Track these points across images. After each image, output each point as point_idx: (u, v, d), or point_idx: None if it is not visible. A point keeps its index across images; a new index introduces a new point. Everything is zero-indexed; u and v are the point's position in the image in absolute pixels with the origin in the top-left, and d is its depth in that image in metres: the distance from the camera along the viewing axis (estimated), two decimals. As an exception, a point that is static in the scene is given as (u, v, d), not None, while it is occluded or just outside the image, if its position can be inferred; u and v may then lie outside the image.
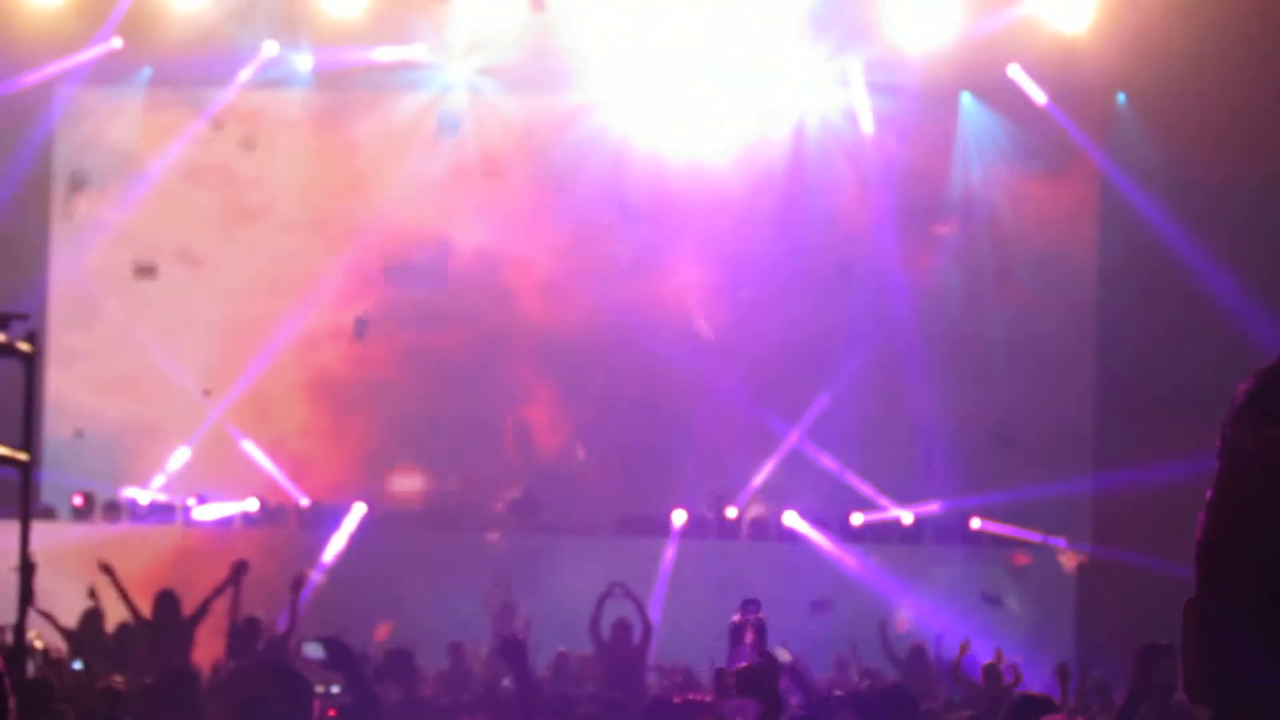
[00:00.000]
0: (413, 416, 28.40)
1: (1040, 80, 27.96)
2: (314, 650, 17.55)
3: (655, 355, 27.91)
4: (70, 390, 28.43)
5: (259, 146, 29.29)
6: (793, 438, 28.45)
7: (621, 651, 18.83)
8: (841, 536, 27.90)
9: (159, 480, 28.57)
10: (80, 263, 28.63)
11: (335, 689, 15.20)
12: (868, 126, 28.69)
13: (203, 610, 18.44)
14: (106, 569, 18.77)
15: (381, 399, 28.59)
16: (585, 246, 28.81)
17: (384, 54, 28.63)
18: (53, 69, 28.23)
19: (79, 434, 28.24)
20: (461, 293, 28.97)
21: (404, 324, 28.94)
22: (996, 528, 27.87)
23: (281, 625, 18.21)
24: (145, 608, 18.73)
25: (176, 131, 29.15)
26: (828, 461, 28.34)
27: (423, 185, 29.15)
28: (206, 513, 28.23)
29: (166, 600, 18.58)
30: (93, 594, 19.39)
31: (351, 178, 29.43)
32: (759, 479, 28.50)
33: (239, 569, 18.22)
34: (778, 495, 28.43)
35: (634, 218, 28.56)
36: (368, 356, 28.78)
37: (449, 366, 28.48)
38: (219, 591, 18.47)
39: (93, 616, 19.89)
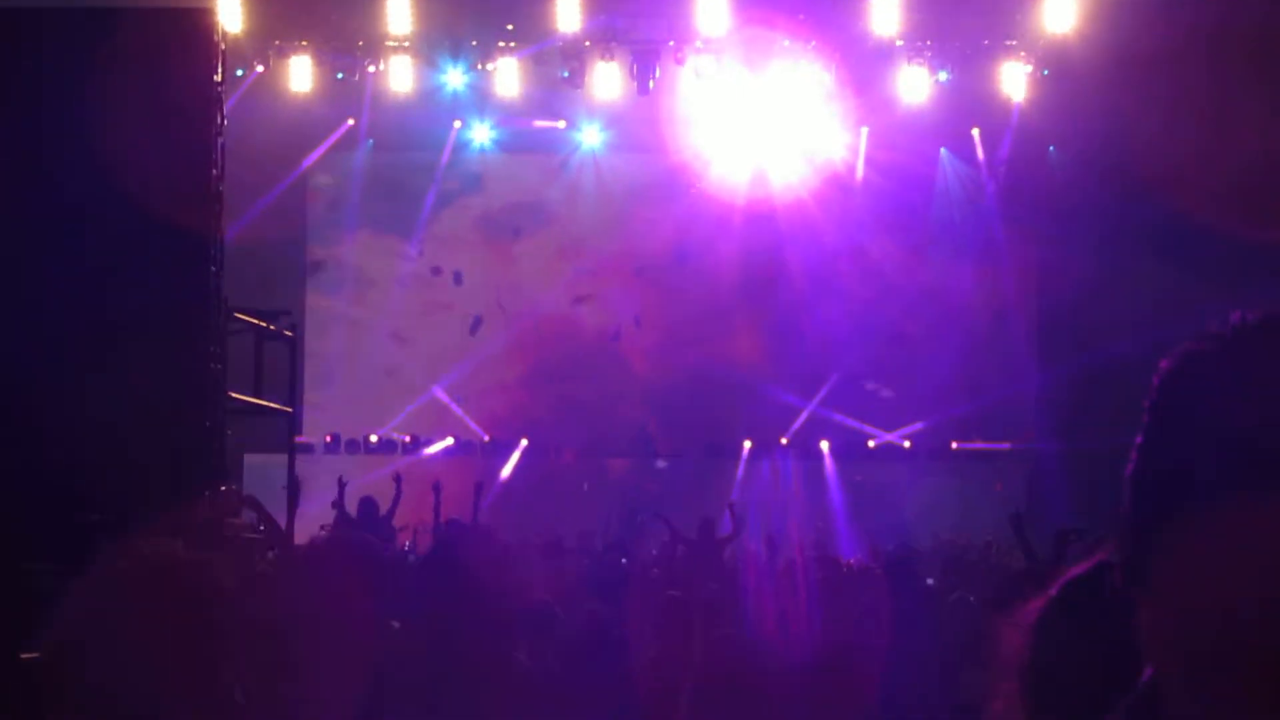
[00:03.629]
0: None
1: (996, 138, 28.47)
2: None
3: (723, 370, 28.93)
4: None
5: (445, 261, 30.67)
6: (822, 392, 29.23)
7: (708, 541, 19.47)
8: (861, 457, 28.68)
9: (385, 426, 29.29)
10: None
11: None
12: (860, 173, 29.31)
13: (392, 513, 18.28)
14: (341, 483, 18.34)
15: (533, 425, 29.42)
16: (670, 324, 29.88)
17: (539, 123, 29.35)
18: (311, 155, 29.58)
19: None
20: (589, 352, 29.93)
21: (550, 377, 29.70)
22: (969, 445, 28.39)
23: (477, 523, 18.59)
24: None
25: (392, 251, 30.54)
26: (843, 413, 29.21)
27: (559, 279, 30.33)
28: (419, 448, 28.90)
29: (367, 503, 18.45)
30: (333, 504, 18.38)
31: (515, 278, 30.52)
32: (800, 419, 29.23)
33: (437, 488, 17.88)
34: (818, 429, 29.25)
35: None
36: (520, 400, 29.54)
37: (578, 403, 29.40)
38: (396, 500, 18.32)
39: (341, 520, 19.80)
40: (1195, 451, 1.82)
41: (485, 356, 29.76)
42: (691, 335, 29.41)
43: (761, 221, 29.01)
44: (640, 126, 28.57)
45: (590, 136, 30.07)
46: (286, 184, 29.01)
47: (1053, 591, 2.73)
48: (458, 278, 30.43)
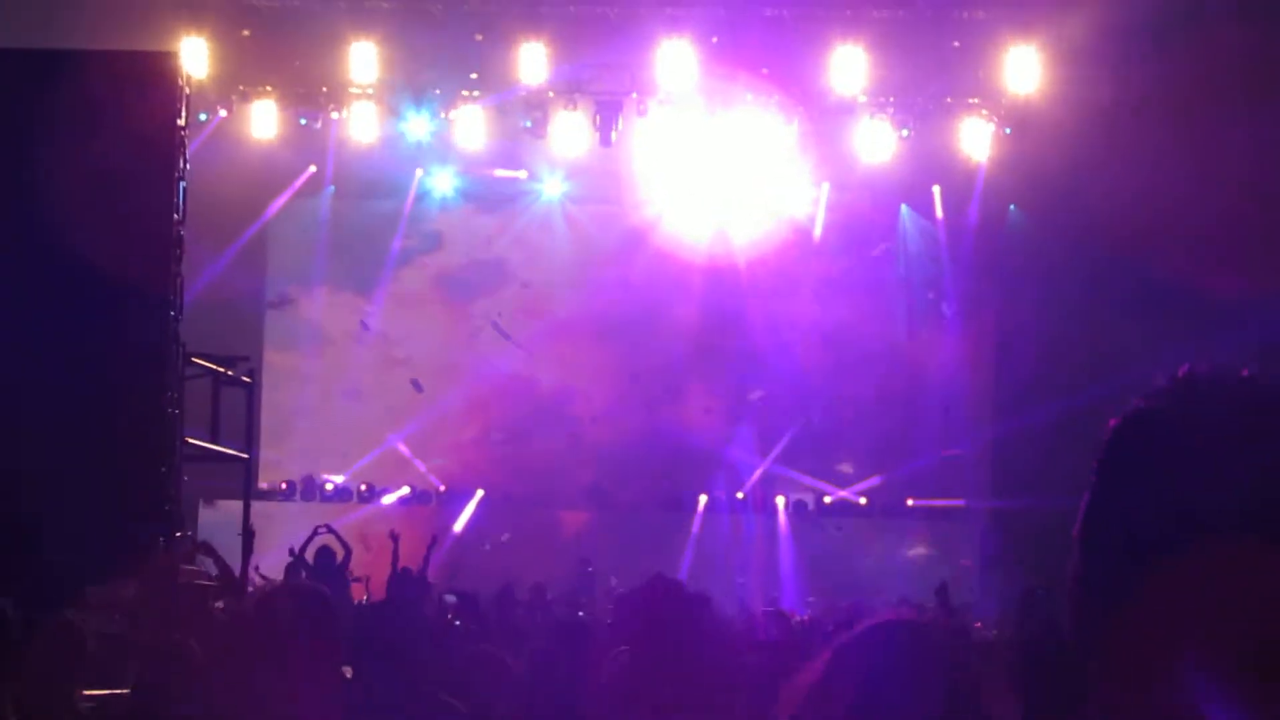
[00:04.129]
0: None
1: (957, 196, 28.33)
2: (450, 598, 18.32)
3: (680, 424, 28.80)
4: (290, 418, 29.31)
5: (403, 320, 30.39)
6: (778, 448, 29.10)
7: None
8: (817, 513, 28.57)
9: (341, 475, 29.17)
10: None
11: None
12: (818, 231, 29.21)
13: (347, 560, 18.41)
14: (315, 530, 18.90)
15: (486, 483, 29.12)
16: (627, 380, 29.55)
17: (499, 173, 29.36)
18: (274, 202, 29.36)
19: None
20: (539, 417, 29.57)
21: (505, 435, 29.62)
22: (925, 502, 28.23)
23: (426, 574, 18.04)
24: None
25: (351, 307, 30.31)
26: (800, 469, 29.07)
27: (517, 336, 30.06)
28: (375, 496, 28.81)
29: (324, 552, 18.53)
30: (291, 551, 18.73)
31: (464, 336, 30.30)
32: (756, 474, 29.07)
33: (395, 537, 18.07)
34: (773, 485, 29.09)
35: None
36: (471, 459, 29.34)
37: (530, 469, 28.96)
38: (348, 552, 18.53)
39: (294, 567, 19.09)
40: (1145, 511, 1.76)
41: (441, 414, 29.60)
42: (649, 390, 29.29)
43: (721, 276, 28.97)
44: (602, 178, 28.60)
45: (552, 187, 29.96)
46: (251, 233, 28.99)
47: (825, 656, 2.72)
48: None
